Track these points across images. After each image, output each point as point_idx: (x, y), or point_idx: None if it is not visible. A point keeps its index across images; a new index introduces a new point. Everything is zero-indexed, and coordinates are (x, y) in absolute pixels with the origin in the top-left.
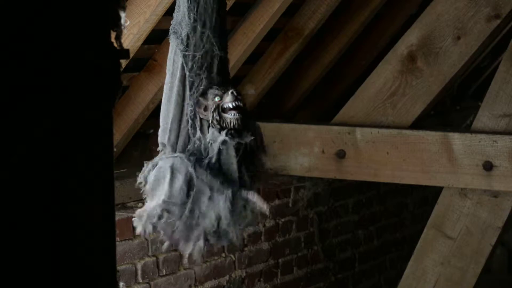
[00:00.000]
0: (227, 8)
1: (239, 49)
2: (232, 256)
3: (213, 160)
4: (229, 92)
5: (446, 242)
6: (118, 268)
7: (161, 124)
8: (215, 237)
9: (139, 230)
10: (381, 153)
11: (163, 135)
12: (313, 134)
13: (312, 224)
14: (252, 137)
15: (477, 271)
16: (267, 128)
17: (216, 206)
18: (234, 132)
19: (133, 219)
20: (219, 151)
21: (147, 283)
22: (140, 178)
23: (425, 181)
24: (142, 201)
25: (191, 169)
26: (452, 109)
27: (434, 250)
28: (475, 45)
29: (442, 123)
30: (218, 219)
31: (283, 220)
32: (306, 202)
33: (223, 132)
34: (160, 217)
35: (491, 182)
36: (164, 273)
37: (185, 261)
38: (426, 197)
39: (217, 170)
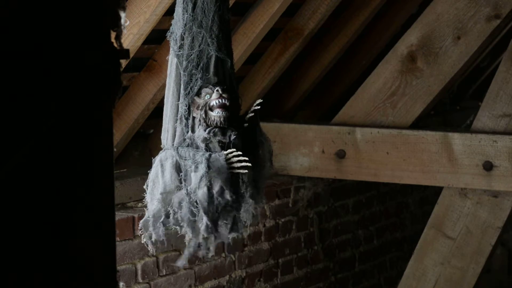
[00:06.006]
0: None
1: (239, 49)
2: (232, 256)
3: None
4: (215, 90)
5: (446, 242)
6: (118, 268)
7: (162, 123)
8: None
9: (146, 239)
10: (381, 153)
11: (163, 134)
12: (313, 134)
13: (312, 224)
14: (235, 136)
15: (477, 271)
16: (267, 128)
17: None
18: (218, 130)
19: (140, 232)
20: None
21: (147, 283)
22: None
23: (425, 181)
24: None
25: (174, 153)
26: (452, 109)
27: (434, 250)
28: (475, 45)
29: (442, 123)
30: (208, 186)
31: (283, 220)
32: (306, 202)
33: (207, 130)
34: (167, 215)
35: (491, 182)
36: (164, 273)
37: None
38: (426, 197)
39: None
